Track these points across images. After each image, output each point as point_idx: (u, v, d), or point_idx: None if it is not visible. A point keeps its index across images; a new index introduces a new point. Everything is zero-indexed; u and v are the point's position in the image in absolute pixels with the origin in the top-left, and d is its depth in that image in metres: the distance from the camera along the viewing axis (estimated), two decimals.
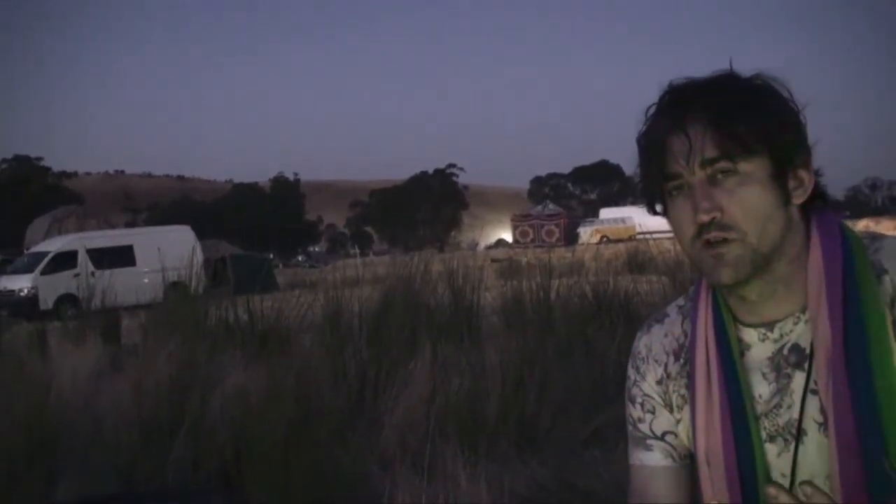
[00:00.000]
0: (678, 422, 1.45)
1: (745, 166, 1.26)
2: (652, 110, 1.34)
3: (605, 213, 64.37)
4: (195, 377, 5.25)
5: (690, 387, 1.39)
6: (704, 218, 1.27)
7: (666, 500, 1.45)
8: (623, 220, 57.26)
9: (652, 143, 1.32)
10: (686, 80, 1.32)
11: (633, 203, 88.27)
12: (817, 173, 1.34)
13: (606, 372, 5.59)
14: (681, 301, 1.51)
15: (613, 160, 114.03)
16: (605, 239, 49.14)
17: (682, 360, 1.45)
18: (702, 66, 1.36)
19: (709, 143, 1.26)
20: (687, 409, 1.42)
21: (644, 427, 1.48)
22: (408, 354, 6.06)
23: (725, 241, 1.27)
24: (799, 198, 1.31)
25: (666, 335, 1.48)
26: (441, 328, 7.46)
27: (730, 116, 1.25)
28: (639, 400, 1.49)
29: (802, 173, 1.31)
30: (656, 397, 1.47)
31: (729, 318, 1.37)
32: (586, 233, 55.60)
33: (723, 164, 1.26)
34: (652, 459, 1.47)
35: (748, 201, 1.26)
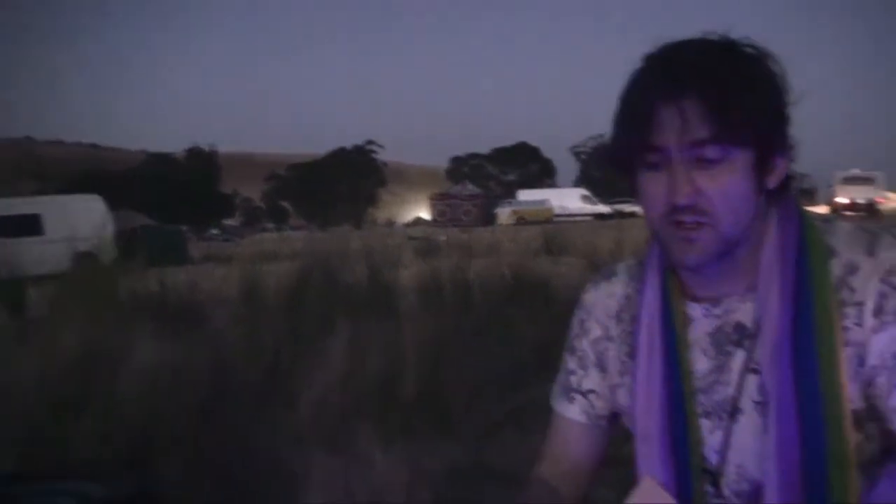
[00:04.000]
0: (618, 387, 1.46)
1: (732, 153, 1.23)
2: (643, 70, 1.28)
3: (524, 194, 64.93)
4: (104, 351, 5.11)
5: (633, 357, 1.41)
6: (683, 201, 1.24)
7: (574, 452, 1.51)
8: (541, 203, 57.87)
9: (639, 109, 1.26)
10: (684, 43, 1.28)
11: (551, 185, 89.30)
12: (791, 160, 1.32)
13: (524, 353, 5.61)
14: (631, 261, 1.52)
15: (533, 142, 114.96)
16: (522, 220, 49.63)
17: (623, 324, 1.46)
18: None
19: (702, 124, 1.22)
20: (628, 377, 1.43)
21: (574, 380, 1.51)
22: (324, 332, 5.99)
23: (698, 224, 1.25)
24: (771, 184, 1.30)
25: (610, 296, 1.50)
26: (358, 306, 7.40)
27: (728, 101, 1.21)
28: (578, 353, 1.52)
29: (780, 160, 1.30)
30: (591, 356, 1.50)
31: (676, 292, 1.38)
32: (504, 214, 56.01)
33: (712, 148, 1.23)
34: (570, 412, 1.51)
35: (729, 189, 1.24)
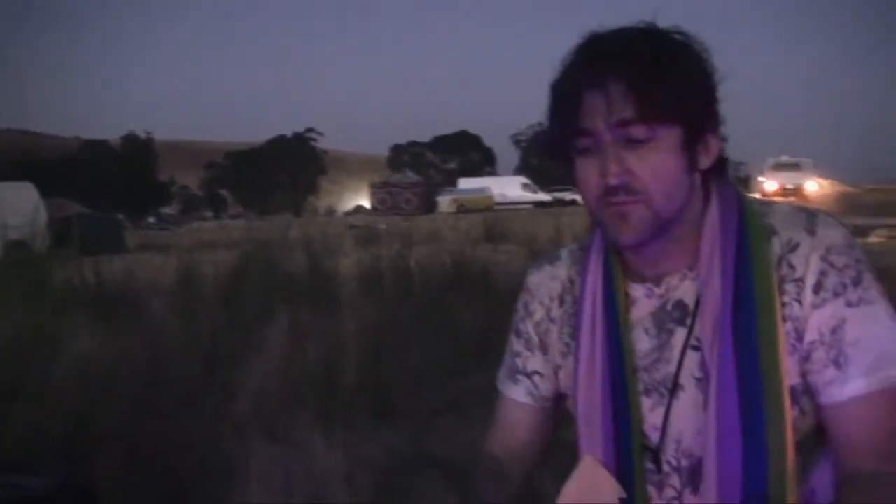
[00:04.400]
0: (559, 368, 1.48)
1: (659, 132, 1.26)
2: (570, 60, 1.32)
3: (464, 182, 65.02)
4: (38, 341, 5.01)
5: (576, 338, 1.42)
6: (613, 181, 1.27)
7: (519, 433, 1.52)
8: (482, 191, 58.00)
9: (567, 96, 1.30)
10: (609, 32, 1.31)
11: (492, 173, 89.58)
12: (723, 140, 1.35)
13: (464, 340, 5.62)
14: (574, 246, 1.54)
15: (473, 130, 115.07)
16: (463, 208, 49.70)
17: (566, 306, 1.48)
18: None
19: (626, 105, 1.25)
20: (570, 359, 1.44)
21: (520, 362, 1.52)
22: (263, 321, 5.94)
23: (631, 203, 1.28)
24: (704, 164, 1.33)
25: (553, 278, 1.51)
26: (298, 295, 7.35)
27: (651, 80, 1.24)
28: (523, 336, 1.53)
29: (711, 140, 1.33)
30: (535, 338, 1.51)
31: (619, 274, 1.39)
32: (445, 202, 56.02)
33: (638, 128, 1.26)
34: (515, 393, 1.52)
35: (658, 168, 1.27)
